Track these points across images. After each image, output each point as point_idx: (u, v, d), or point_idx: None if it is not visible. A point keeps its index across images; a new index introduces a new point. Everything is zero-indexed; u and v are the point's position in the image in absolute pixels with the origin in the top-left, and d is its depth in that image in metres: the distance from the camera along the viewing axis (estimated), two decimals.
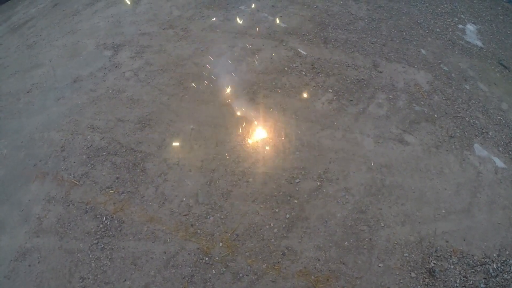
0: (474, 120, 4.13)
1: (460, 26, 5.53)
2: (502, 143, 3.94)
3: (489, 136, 3.99)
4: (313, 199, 3.50)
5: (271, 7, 5.86)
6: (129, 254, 3.29)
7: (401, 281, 2.99)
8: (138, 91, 4.71)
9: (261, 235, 3.30)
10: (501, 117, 4.21)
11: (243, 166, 3.77)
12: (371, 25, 5.43)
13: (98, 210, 3.62)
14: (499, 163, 3.76)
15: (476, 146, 3.90)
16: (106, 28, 6.02)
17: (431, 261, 3.09)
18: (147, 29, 5.78)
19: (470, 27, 5.55)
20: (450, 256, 3.11)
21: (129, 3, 6.22)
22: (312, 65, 4.77)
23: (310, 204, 3.47)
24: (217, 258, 3.19)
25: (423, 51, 4.99)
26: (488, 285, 2.96)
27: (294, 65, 4.78)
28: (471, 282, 2.98)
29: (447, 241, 3.20)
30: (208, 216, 3.45)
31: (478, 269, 3.05)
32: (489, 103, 4.36)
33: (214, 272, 3.11)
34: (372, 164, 3.73)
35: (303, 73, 4.67)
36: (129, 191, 3.72)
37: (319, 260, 3.12)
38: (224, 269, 3.12)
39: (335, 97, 4.36)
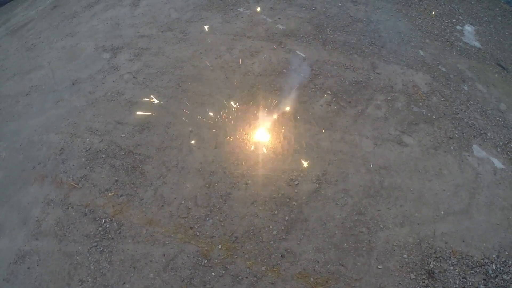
0: (472, 121, 4.14)
1: (458, 27, 5.55)
2: (501, 144, 3.95)
3: (487, 137, 4.00)
4: (312, 201, 3.50)
5: (270, 9, 5.87)
6: (128, 256, 3.29)
7: (400, 282, 2.99)
8: (136, 93, 4.71)
9: (260, 238, 3.30)
10: (500, 118, 4.22)
11: (242, 169, 3.78)
12: (369, 27, 5.44)
13: (97, 212, 3.62)
14: (498, 164, 3.77)
15: (475, 147, 3.90)
16: (105, 31, 6.03)
17: (430, 262, 3.09)
18: (146, 31, 5.78)
19: (468, 28, 5.56)
20: (449, 257, 3.12)
21: None
22: (310, 67, 4.78)
23: (309, 206, 3.47)
24: (216, 260, 3.19)
25: (421, 53, 5.00)
26: (487, 286, 2.97)
27: (293, 67, 4.78)
28: (470, 283, 2.98)
29: (446, 242, 3.20)
30: (207, 219, 3.45)
31: (477, 270, 3.05)
32: (488, 104, 4.36)
33: (213, 274, 3.11)
34: (371, 166, 3.74)
35: (302, 75, 4.67)
36: (128, 193, 3.72)
37: (318, 262, 3.12)
38: (224, 272, 3.12)
39: (334, 99, 4.37)
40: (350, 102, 4.33)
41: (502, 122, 4.17)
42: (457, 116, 4.19)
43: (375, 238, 3.24)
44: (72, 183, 3.89)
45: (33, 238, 3.56)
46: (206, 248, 3.27)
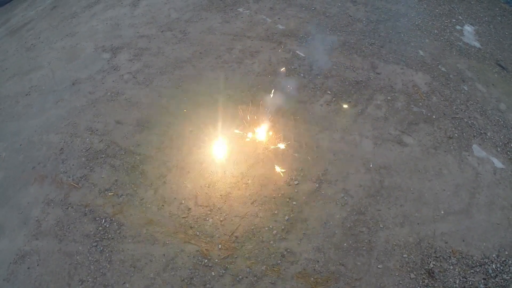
0: (472, 121, 4.14)
1: (458, 27, 5.55)
2: (501, 143, 3.95)
3: (487, 136, 4.00)
4: (312, 201, 3.50)
5: (270, 9, 5.87)
6: (128, 256, 3.29)
7: (400, 282, 2.99)
8: (136, 93, 4.71)
9: (260, 237, 3.29)
10: (499, 117, 4.22)
11: (242, 168, 3.78)
12: (369, 27, 5.44)
13: (97, 212, 3.62)
14: (498, 163, 3.77)
15: (475, 146, 3.90)
16: (105, 31, 6.03)
17: (431, 262, 3.09)
18: (146, 31, 5.78)
19: (468, 28, 5.57)
20: (449, 257, 3.12)
21: None
22: (310, 67, 4.78)
23: (309, 206, 3.47)
24: (216, 260, 3.18)
25: (421, 53, 5.00)
26: (487, 286, 2.97)
27: (293, 67, 4.79)
28: (470, 283, 2.98)
29: (446, 242, 3.20)
30: (207, 218, 3.45)
31: (477, 270, 3.05)
32: (487, 104, 4.37)
33: (213, 274, 3.11)
34: (371, 166, 3.74)
35: (302, 75, 4.68)
36: (128, 193, 3.72)
37: (318, 261, 3.12)
38: (224, 271, 3.12)
39: (334, 98, 4.37)
40: (350, 102, 4.33)
41: (502, 122, 4.17)
42: (457, 116, 4.20)
43: (375, 238, 3.24)
44: (72, 183, 3.89)
45: (33, 238, 3.55)
46: (206, 247, 3.27)
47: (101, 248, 3.37)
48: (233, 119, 4.22)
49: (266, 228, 3.35)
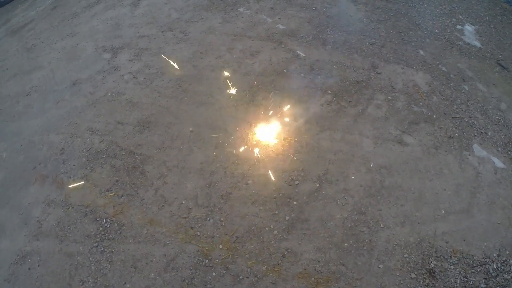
0: (473, 121, 4.14)
1: (458, 27, 5.55)
2: (501, 143, 3.95)
3: (488, 136, 4.00)
4: (313, 201, 3.50)
5: (270, 9, 5.87)
6: (129, 257, 3.29)
7: (401, 282, 2.99)
8: (137, 93, 4.72)
9: (261, 237, 3.30)
10: (500, 117, 4.22)
11: (243, 168, 3.78)
12: (369, 26, 5.44)
13: (98, 213, 3.62)
14: (498, 163, 3.77)
15: (475, 146, 3.90)
16: (105, 31, 6.03)
17: (431, 261, 3.09)
18: (146, 31, 5.78)
19: (468, 27, 5.56)
20: (450, 256, 3.11)
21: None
22: (311, 66, 4.78)
23: (310, 205, 3.47)
24: (217, 260, 3.19)
25: (421, 52, 5.00)
26: (488, 285, 2.97)
27: (293, 67, 4.78)
28: (471, 283, 2.98)
29: (447, 242, 3.20)
30: (208, 219, 3.45)
31: (478, 269, 3.05)
32: (488, 104, 4.36)
33: (214, 274, 3.11)
34: (372, 165, 3.73)
35: (302, 75, 4.67)
36: (128, 193, 3.72)
37: (319, 261, 3.12)
38: (224, 272, 3.12)
39: (334, 98, 4.37)
40: (350, 101, 4.33)
41: (502, 122, 4.17)
42: (458, 116, 4.19)
43: (375, 238, 3.24)
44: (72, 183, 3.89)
45: (34, 238, 3.56)
46: (207, 248, 3.27)
47: (102, 248, 3.37)
48: (233, 119, 4.22)
49: (267, 228, 3.35)
